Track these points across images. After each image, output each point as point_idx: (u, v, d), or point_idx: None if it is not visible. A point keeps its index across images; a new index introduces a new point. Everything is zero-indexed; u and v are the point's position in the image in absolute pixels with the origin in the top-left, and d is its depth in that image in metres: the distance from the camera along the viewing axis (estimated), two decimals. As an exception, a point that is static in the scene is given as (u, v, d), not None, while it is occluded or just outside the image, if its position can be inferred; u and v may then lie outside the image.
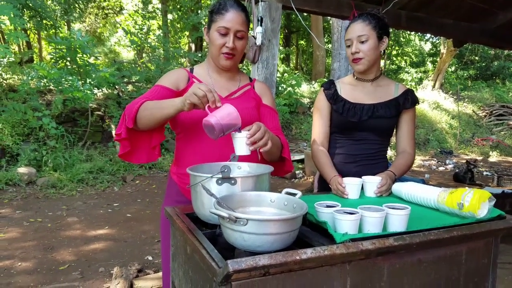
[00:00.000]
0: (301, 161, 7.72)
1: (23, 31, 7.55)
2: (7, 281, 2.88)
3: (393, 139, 1.99)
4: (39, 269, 3.12)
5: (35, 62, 9.69)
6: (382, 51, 1.82)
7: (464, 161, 9.68)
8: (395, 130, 1.92)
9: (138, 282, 2.74)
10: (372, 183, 1.56)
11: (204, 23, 12.41)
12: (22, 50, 11.32)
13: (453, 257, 1.17)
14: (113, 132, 7.31)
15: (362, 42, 1.74)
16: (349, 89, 1.87)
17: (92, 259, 3.33)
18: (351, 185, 1.53)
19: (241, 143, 1.34)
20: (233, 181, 1.19)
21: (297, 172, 7.14)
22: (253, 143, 1.32)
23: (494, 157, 10.51)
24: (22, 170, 5.74)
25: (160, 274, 2.88)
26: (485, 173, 8.18)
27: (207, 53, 1.70)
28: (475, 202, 1.18)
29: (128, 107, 1.48)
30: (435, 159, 9.71)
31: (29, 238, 3.79)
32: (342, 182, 1.55)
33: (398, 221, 1.11)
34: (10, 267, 3.14)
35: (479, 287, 1.24)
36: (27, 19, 9.99)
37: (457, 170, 7.58)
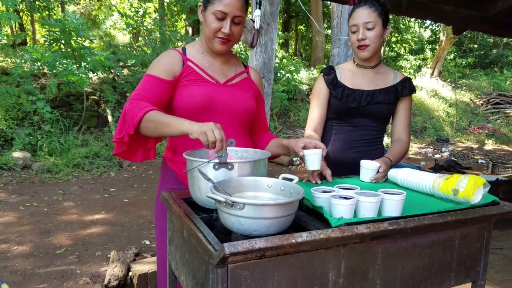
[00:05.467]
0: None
1: (15, 13, 7.41)
2: (4, 265, 2.90)
3: (388, 126, 1.99)
4: (35, 252, 3.14)
5: (28, 44, 9.56)
6: (385, 39, 1.81)
7: (460, 149, 9.74)
8: (391, 116, 1.92)
9: (135, 266, 2.76)
10: (369, 169, 1.56)
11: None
12: (14, 33, 11.16)
13: (447, 242, 1.19)
14: (109, 117, 7.26)
15: (369, 29, 1.72)
16: (349, 75, 1.86)
17: (89, 243, 3.35)
18: (310, 156, 1.46)
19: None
20: (230, 166, 1.19)
21: (294, 159, 7.15)
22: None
23: (489, 145, 10.57)
24: (17, 154, 5.71)
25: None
26: (480, 161, 8.23)
27: (201, 32, 1.65)
28: (470, 188, 1.19)
29: (129, 110, 1.40)
30: (431, 147, 9.75)
31: (25, 222, 3.80)
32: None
33: (393, 206, 1.12)
34: (7, 250, 3.15)
35: (471, 271, 1.26)
36: (20, 0, 9.82)
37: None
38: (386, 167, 1.61)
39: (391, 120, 1.93)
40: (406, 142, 1.86)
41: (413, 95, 1.92)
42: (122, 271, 2.67)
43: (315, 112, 1.88)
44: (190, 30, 13.64)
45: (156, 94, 1.49)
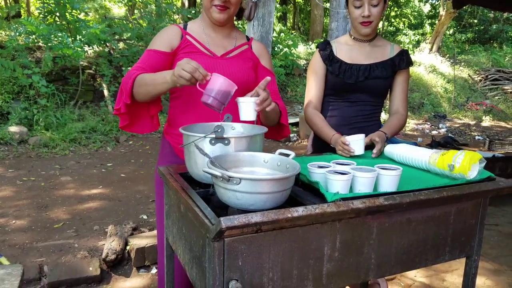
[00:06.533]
0: (296, 124, 7.72)
1: (8, -16, 7.23)
2: (2, 239, 2.92)
3: (386, 102, 1.98)
4: (33, 226, 3.16)
5: (22, 17, 9.35)
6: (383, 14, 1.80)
7: (457, 125, 9.76)
8: (389, 89, 1.91)
9: (132, 240, 2.79)
10: (356, 140, 1.54)
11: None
12: (8, 5, 10.89)
13: (442, 217, 1.20)
14: (105, 92, 7.19)
15: (374, 6, 1.70)
16: (346, 49, 1.84)
17: (87, 218, 3.37)
18: (355, 142, 1.54)
19: (249, 108, 1.33)
20: (226, 141, 1.18)
21: (291, 135, 7.15)
22: (261, 108, 1.33)
23: (487, 121, 10.58)
24: (13, 129, 5.68)
25: (155, 232, 2.94)
26: (477, 137, 8.25)
27: (202, 5, 1.64)
28: (466, 164, 1.19)
29: (124, 80, 1.45)
30: (428, 123, 9.75)
31: (23, 197, 3.81)
32: (345, 141, 1.55)
33: (389, 181, 1.12)
34: (5, 224, 3.17)
35: (465, 246, 1.28)
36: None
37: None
38: (381, 141, 1.60)
39: (389, 93, 1.93)
40: (404, 115, 1.86)
41: (411, 71, 1.91)
42: (119, 245, 2.71)
43: (314, 89, 1.87)
44: (186, 2, 13.35)
45: (153, 65, 1.51)
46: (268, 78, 1.35)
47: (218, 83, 1.28)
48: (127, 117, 1.52)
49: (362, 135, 1.54)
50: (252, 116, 1.34)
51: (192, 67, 1.25)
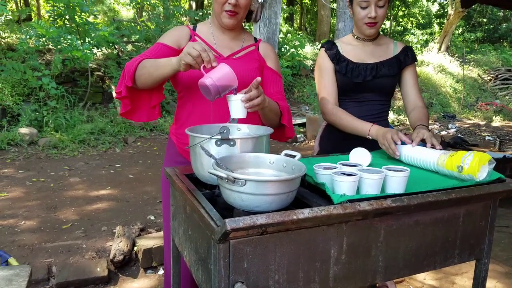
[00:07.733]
0: (303, 125, 7.69)
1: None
2: (12, 239, 2.95)
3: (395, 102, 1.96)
4: (42, 227, 3.19)
5: (33, 20, 9.46)
6: None
7: (467, 125, 9.65)
8: (400, 88, 1.89)
9: (140, 241, 2.80)
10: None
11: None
12: (19, 8, 11.02)
13: (451, 219, 1.18)
14: (114, 93, 7.25)
15: (380, 7, 1.70)
16: (350, 49, 1.84)
17: (95, 218, 3.39)
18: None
19: (237, 106, 1.31)
20: (232, 143, 1.18)
21: (298, 136, 7.12)
22: (250, 106, 1.30)
23: (497, 122, 10.44)
24: (23, 130, 5.74)
25: (162, 233, 2.94)
26: (487, 138, 8.16)
27: (212, 9, 1.66)
28: (475, 165, 1.17)
29: (128, 64, 1.48)
30: (437, 123, 9.66)
31: (32, 198, 3.85)
32: (397, 139, 1.45)
33: (396, 183, 1.11)
34: (14, 225, 3.20)
35: (475, 249, 1.26)
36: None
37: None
38: (430, 134, 1.50)
39: (401, 91, 1.90)
40: (425, 108, 1.80)
41: (419, 70, 1.90)
42: (127, 246, 2.72)
43: (329, 86, 1.80)
44: (193, 4, 13.41)
45: (159, 56, 1.52)
46: (259, 78, 1.30)
47: (224, 72, 1.29)
48: (128, 102, 1.54)
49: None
50: (241, 114, 1.32)
51: (202, 47, 1.27)
